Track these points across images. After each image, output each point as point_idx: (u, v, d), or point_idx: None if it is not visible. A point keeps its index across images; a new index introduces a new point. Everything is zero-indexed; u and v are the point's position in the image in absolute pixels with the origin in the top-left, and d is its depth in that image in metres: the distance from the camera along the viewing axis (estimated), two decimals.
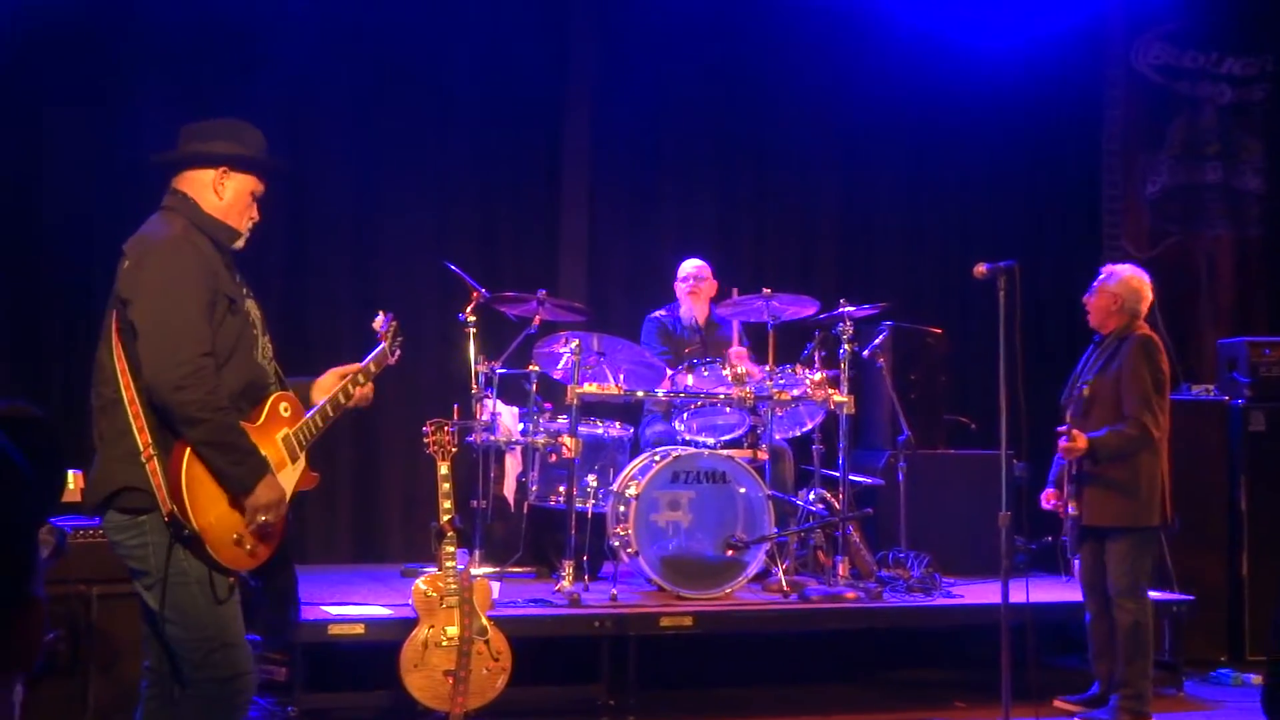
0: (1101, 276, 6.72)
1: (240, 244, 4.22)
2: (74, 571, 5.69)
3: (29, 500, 1.31)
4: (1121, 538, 6.43)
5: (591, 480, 7.46)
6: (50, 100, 7.95)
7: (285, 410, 4.21)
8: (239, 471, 3.94)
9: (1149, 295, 6.71)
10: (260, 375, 4.16)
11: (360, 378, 4.47)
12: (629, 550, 7.06)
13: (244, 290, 4.19)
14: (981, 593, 7.36)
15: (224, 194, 4.16)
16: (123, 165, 7.87)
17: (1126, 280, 6.66)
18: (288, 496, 4.13)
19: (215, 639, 3.97)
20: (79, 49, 8.04)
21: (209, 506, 3.93)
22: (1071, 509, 6.50)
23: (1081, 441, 6.30)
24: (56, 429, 1.48)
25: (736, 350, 7.86)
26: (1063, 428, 6.39)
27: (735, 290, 7.92)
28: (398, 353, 4.75)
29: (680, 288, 8.28)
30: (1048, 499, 6.72)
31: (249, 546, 4.00)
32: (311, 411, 4.29)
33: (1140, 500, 6.41)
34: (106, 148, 7.94)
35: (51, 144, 7.97)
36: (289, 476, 4.18)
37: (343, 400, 4.39)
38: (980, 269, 5.85)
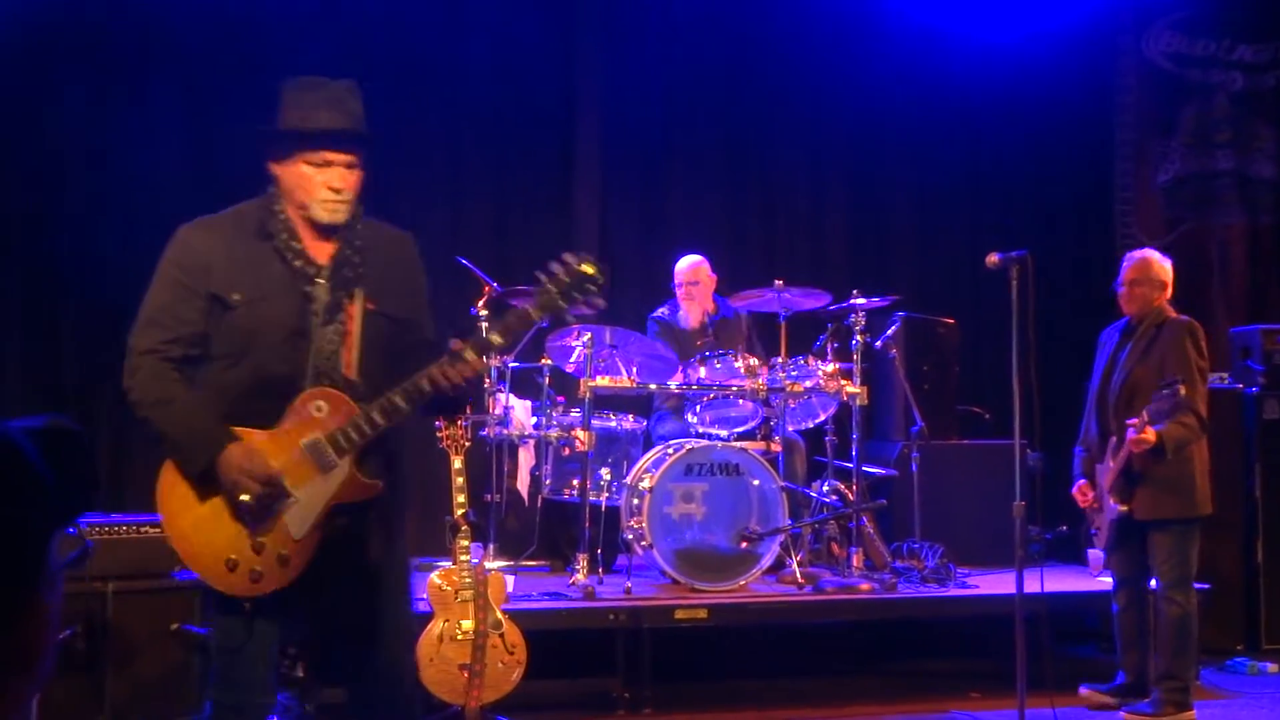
0: (1134, 263, 6.64)
1: (322, 215, 3.71)
2: (90, 568, 5.71)
3: (43, 505, 1.31)
4: (1172, 530, 6.39)
5: (605, 473, 7.46)
6: (65, 101, 7.97)
7: (319, 410, 3.62)
8: (183, 460, 3.61)
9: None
10: (283, 373, 3.64)
11: (469, 353, 3.59)
12: (643, 543, 7.06)
13: (334, 274, 3.70)
14: (996, 583, 7.35)
15: (279, 174, 3.78)
16: (140, 164, 7.92)
17: (1162, 264, 6.63)
18: (317, 509, 3.63)
19: (221, 656, 3.74)
20: (94, 48, 8.06)
21: (190, 530, 3.63)
22: (1116, 505, 6.44)
23: (1152, 436, 6.20)
24: (90, 443, 1.49)
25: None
26: (1133, 420, 6.23)
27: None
28: (589, 304, 3.66)
29: (678, 290, 8.25)
30: (1083, 492, 6.69)
31: (250, 570, 3.60)
32: (374, 405, 3.61)
33: (1195, 492, 6.40)
34: (120, 146, 7.96)
35: (66, 143, 7.99)
36: (317, 489, 3.63)
37: (425, 387, 3.57)
38: (992, 259, 5.82)
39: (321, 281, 3.71)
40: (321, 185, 3.72)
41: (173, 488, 3.63)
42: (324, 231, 3.76)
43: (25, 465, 1.30)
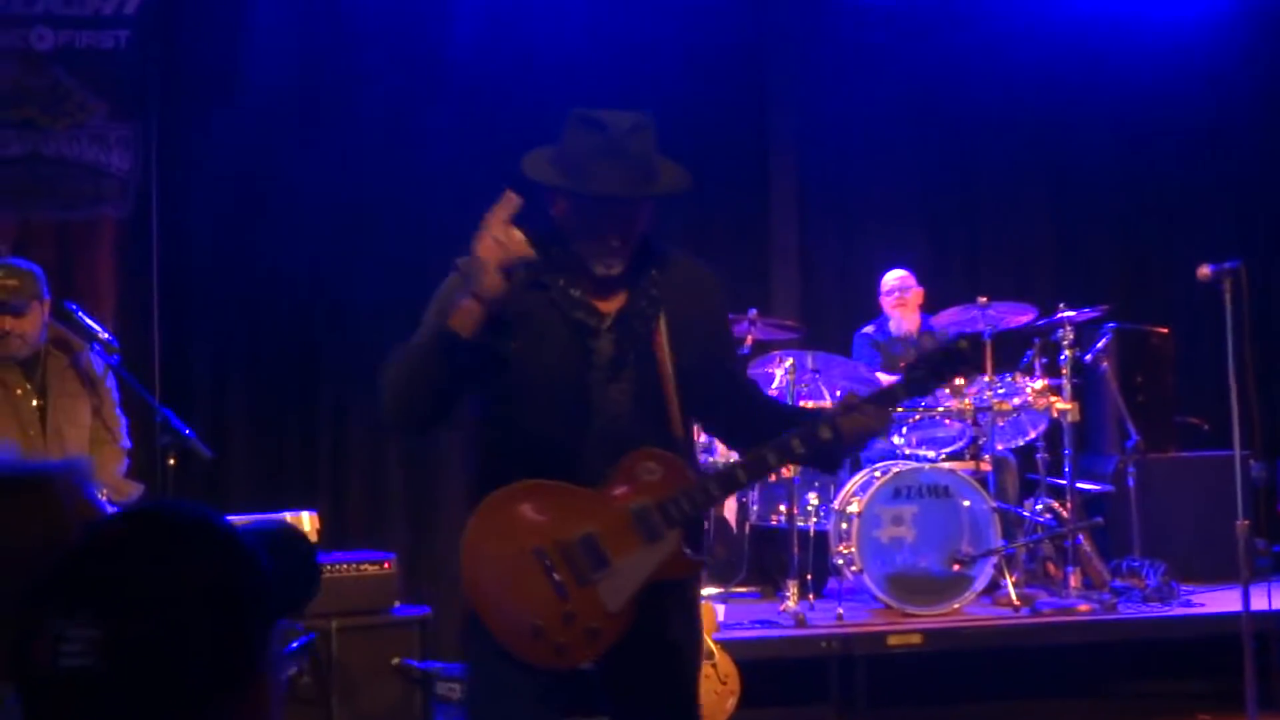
0: None
1: (598, 270, 3.23)
2: (314, 605, 5.88)
3: (262, 591, 1.46)
4: None
5: (812, 498, 7.44)
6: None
7: (651, 472, 3.21)
8: (422, 347, 3.15)
9: None
10: (561, 434, 3.23)
11: (870, 407, 3.18)
12: (853, 568, 7.01)
13: (620, 328, 3.27)
14: (1222, 600, 7.09)
15: (556, 210, 3.33)
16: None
17: None
18: (637, 583, 3.18)
19: (475, 704, 3.35)
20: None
21: (496, 593, 3.22)
22: None
23: None
24: (313, 547, 1.72)
25: None
26: None
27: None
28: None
29: (886, 301, 8.20)
30: None
31: (555, 642, 3.19)
32: (714, 476, 3.29)
33: None
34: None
35: None
36: (639, 560, 3.20)
37: (797, 449, 3.18)
38: (1204, 271, 5.64)
39: (605, 334, 3.26)
40: (602, 238, 3.22)
41: (478, 546, 3.21)
42: (603, 284, 3.27)
43: (244, 555, 1.44)
